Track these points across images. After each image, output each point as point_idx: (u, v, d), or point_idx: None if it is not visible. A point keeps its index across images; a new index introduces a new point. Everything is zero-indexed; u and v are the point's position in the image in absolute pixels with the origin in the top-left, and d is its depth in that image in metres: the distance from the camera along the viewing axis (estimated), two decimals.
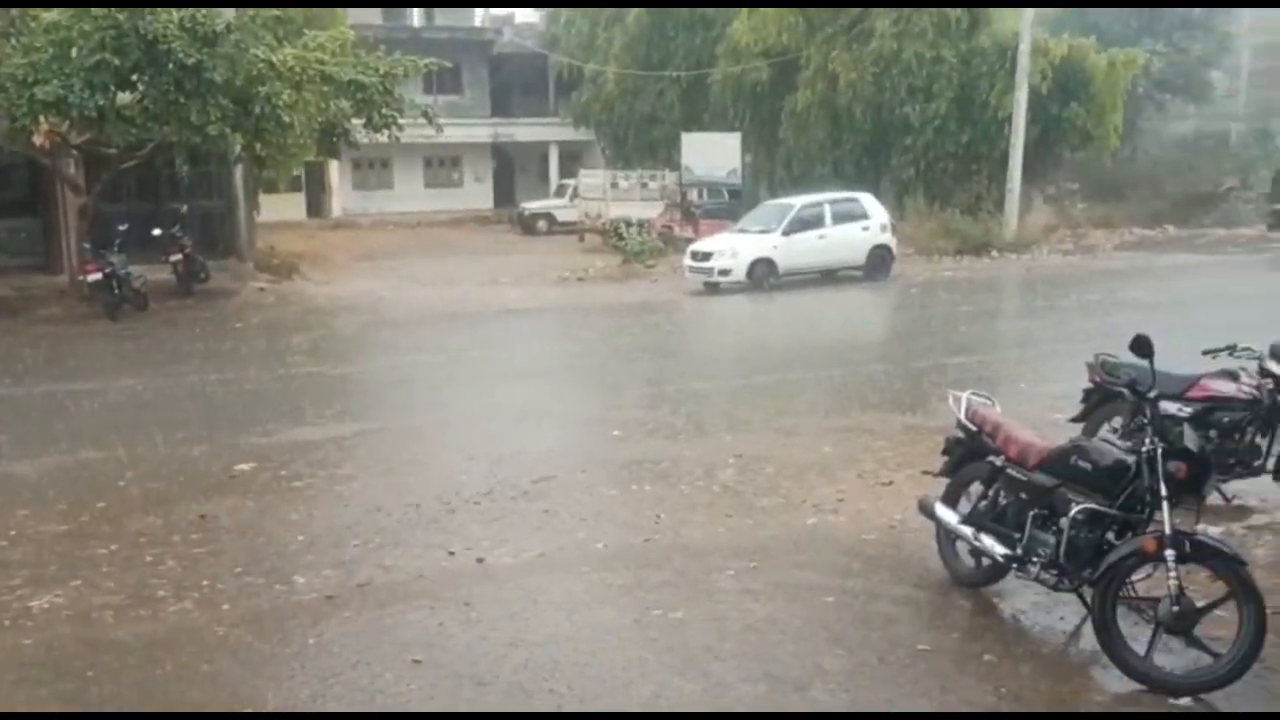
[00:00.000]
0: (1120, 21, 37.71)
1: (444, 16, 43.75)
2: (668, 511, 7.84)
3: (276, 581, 6.61)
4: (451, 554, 7.01)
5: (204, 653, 5.64)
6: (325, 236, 35.42)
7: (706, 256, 22.35)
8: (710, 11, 33.63)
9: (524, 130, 43.68)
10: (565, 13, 39.38)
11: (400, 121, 20.46)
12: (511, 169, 45.91)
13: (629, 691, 5.10)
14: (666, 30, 34.91)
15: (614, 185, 31.94)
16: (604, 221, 30.25)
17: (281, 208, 35.59)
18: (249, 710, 5.07)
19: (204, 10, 16.93)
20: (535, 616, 5.98)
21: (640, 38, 35.27)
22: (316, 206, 41.86)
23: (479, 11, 47.10)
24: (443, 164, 44.48)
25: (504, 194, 44.53)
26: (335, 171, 40.91)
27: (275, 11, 18.73)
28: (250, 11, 18.02)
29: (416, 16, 43.58)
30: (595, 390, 12.83)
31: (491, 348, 16.05)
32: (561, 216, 36.80)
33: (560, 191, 39.23)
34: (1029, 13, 27.73)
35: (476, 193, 44.80)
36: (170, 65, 16.72)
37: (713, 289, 21.98)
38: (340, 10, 24.64)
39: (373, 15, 36.37)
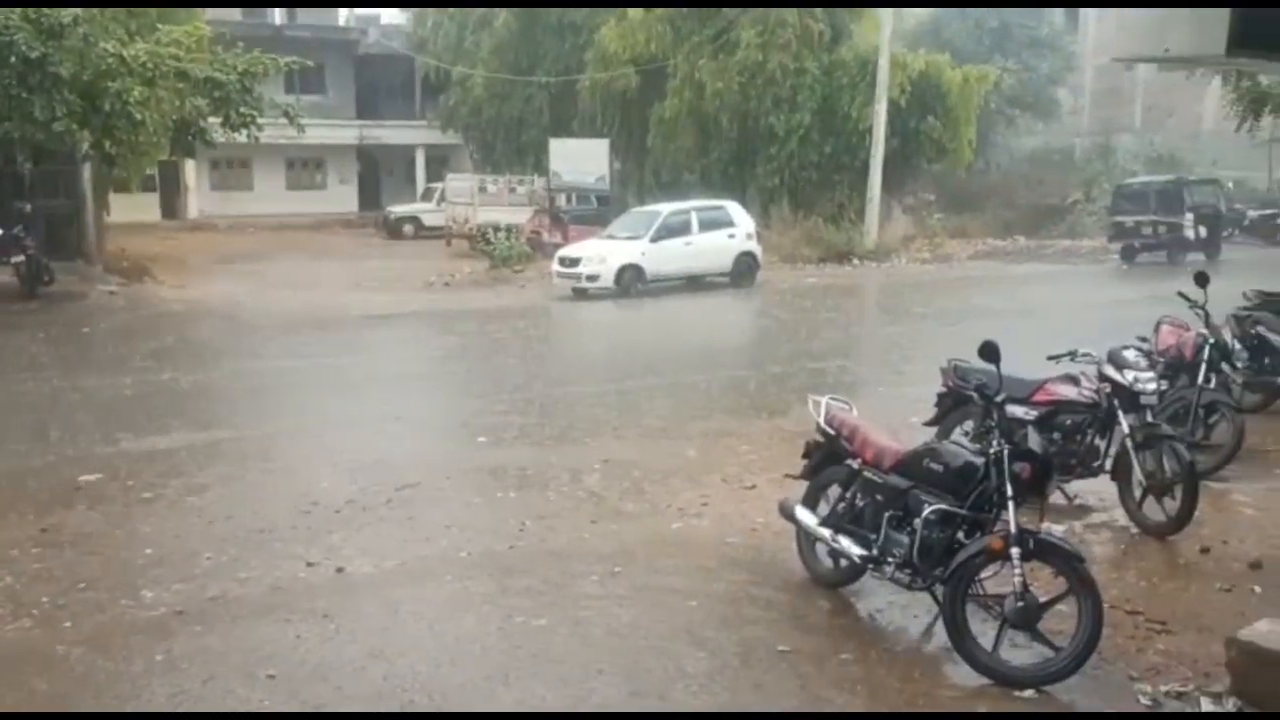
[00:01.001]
0: (974, 39, 39.11)
1: (307, 15, 42.71)
2: (533, 518, 7.80)
3: (123, 597, 6.34)
4: (310, 565, 6.83)
5: (44, 673, 5.37)
6: (181, 238, 34.23)
7: (575, 262, 22.36)
8: (579, 17, 33.65)
9: (390, 132, 42.96)
10: (432, 15, 38.84)
11: (260, 121, 19.94)
12: (377, 172, 45.11)
13: (491, 700, 5.06)
14: (535, 35, 34.80)
15: (482, 190, 31.67)
16: (471, 226, 29.96)
17: (134, 208, 34.20)
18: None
19: None
20: (396, 627, 5.87)
21: (509, 42, 35.07)
22: (172, 208, 40.38)
23: (343, 11, 46.20)
24: (306, 166, 43.45)
25: (369, 197, 43.70)
26: (192, 172, 39.53)
27: None
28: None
29: (278, 14, 42.46)
30: (460, 396, 12.70)
31: (354, 353, 15.73)
32: (428, 221, 36.33)
33: (427, 195, 38.73)
34: (888, 27, 28.56)
35: (341, 195, 43.88)
36: (12, 58, 15.95)
37: (581, 295, 21.99)
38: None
39: (232, 11, 35.27)
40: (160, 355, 15.31)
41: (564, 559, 6.94)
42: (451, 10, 37.84)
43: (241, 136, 19.95)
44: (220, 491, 8.52)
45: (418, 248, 33.18)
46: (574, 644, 5.63)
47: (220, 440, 10.25)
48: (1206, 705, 4.87)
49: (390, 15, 45.61)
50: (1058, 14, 41.26)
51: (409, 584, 6.53)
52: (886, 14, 28.80)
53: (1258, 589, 6.37)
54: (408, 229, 37.18)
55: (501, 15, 34.94)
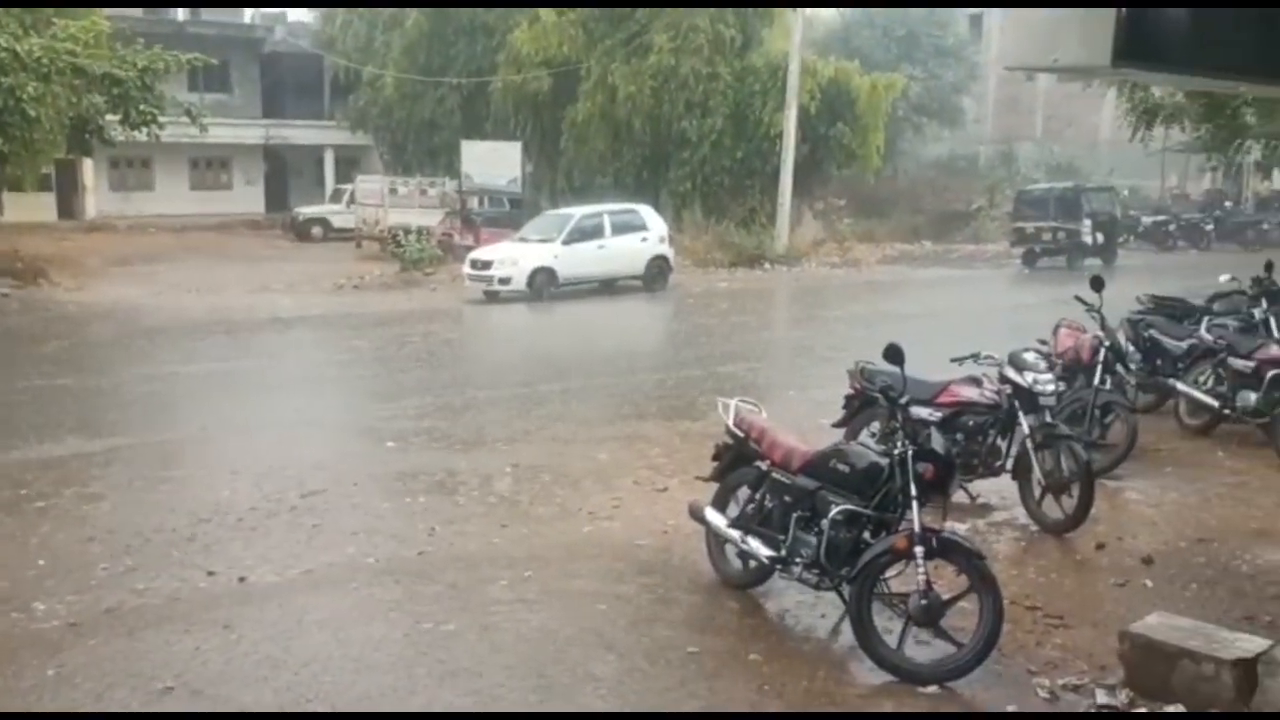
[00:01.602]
0: (882, 48, 39.77)
1: (211, 12, 41.76)
2: (442, 523, 7.72)
3: (13, 609, 6.12)
4: (211, 574, 6.67)
5: None
6: (78, 239, 33.12)
7: (487, 265, 22.20)
8: (492, 19, 33.44)
9: (298, 132, 42.18)
10: (341, 13, 38.22)
11: (161, 120, 19.44)
12: (285, 173, 44.26)
13: (396, 707, 4.98)
14: (447, 36, 34.47)
15: (393, 191, 31.25)
16: (382, 228, 29.55)
17: (29, 208, 33.11)
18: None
19: None
20: (300, 636, 5.76)
21: (420, 42, 34.68)
22: (69, 208, 39.12)
23: (249, 8, 45.27)
24: (210, 166, 42.42)
25: (277, 198, 42.85)
26: (90, 171, 38.34)
27: None
28: None
29: (181, 11, 41.43)
30: (369, 400, 12.50)
31: (259, 357, 15.42)
32: (338, 223, 35.73)
33: (336, 197, 38.08)
34: (798, 33, 28.91)
35: (247, 196, 42.93)
36: None
37: (493, 298, 21.84)
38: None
39: (132, 8, 34.32)
40: (56, 359, 14.84)
41: (473, 564, 6.88)
42: (361, 9, 37.30)
43: (142, 135, 19.44)
44: (117, 500, 8.28)
45: (327, 250, 32.63)
46: (482, 649, 5.58)
47: (118, 447, 9.95)
48: (1101, 697, 5.00)
49: (297, 13, 44.90)
50: (963, 24, 42.21)
51: (314, 592, 6.42)
52: (797, 21, 29.15)
53: (1149, 583, 6.58)
54: (316, 231, 36.54)
55: (412, 15, 34.54)
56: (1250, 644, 4.89)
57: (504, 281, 21.82)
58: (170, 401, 12.48)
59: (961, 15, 41.38)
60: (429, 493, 8.53)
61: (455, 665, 5.39)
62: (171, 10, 41.15)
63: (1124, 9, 2.57)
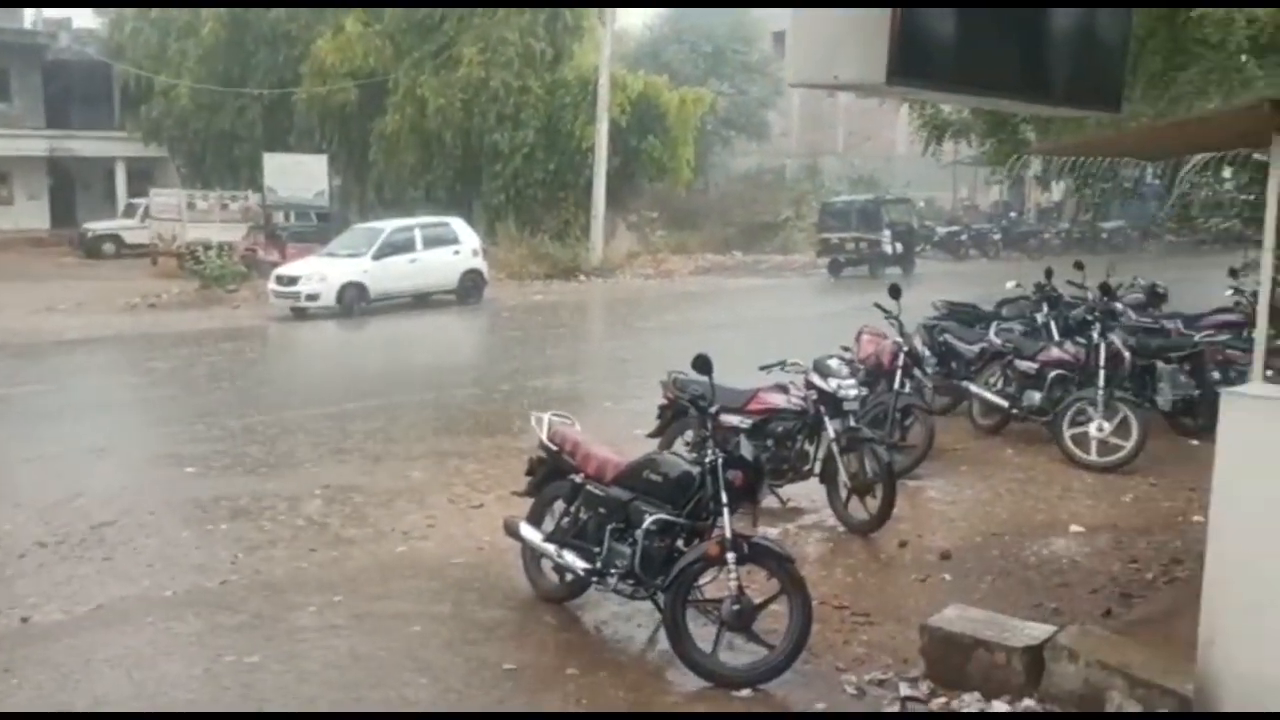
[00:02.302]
0: (690, 63, 40.59)
1: None
2: (246, 550, 7.42)
3: None
4: None
5: None
6: None
7: (293, 281, 21.54)
8: (294, 28, 32.51)
9: (86, 144, 39.86)
10: (131, 20, 36.34)
11: None
12: (72, 186, 41.75)
13: None
14: (246, 45, 33.31)
15: (191, 206, 29.97)
16: (180, 244, 28.27)
17: None
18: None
19: None
20: (89, 677, 5.41)
21: (217, 51, 33.37)
22: None
23: (29, 12, 42.54)
24: None
25: (64, 214, 40.34)
26: None
27: None
28: None
29: None
30: (167, 425, 11.89)
31: (43, 382, 14.44)
32: (131, 239, 34.03)
33: (130, 211, 36.24)
34: (608, 48, 29.21)
35: (30, 212, 40.29)
36: None
37: (301, 314, 21.20)
38: None
39: None
40: None
41: (280, 591, 6.63)
42: (153, 15, 35.59)
43: None
44: None
45: (120, 268, 30.98)
46: (287, 680, 5.37)
47: None
48: (904, 689, 5.19)
49: (83, 18, 42.41)
50: (767, 41, 43.43)
51: (105, 629, 6.05)
52: (606, 35, 29.48)
53: (948, 577, 6.88)
54: (108, 248, 34.71)
55: (209, 22, 33.20)
56: (1037, 631, 5.16)
57: (312, 298, 21.22)
58: None
59: (766, 32, 42.59)
60: (232, 519, 8.18)
61: (259, 698, 5.17)
62: None
63: (897, 29, 2.68)
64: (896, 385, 9.25)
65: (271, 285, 21.98)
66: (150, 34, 35.81)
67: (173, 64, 34.77)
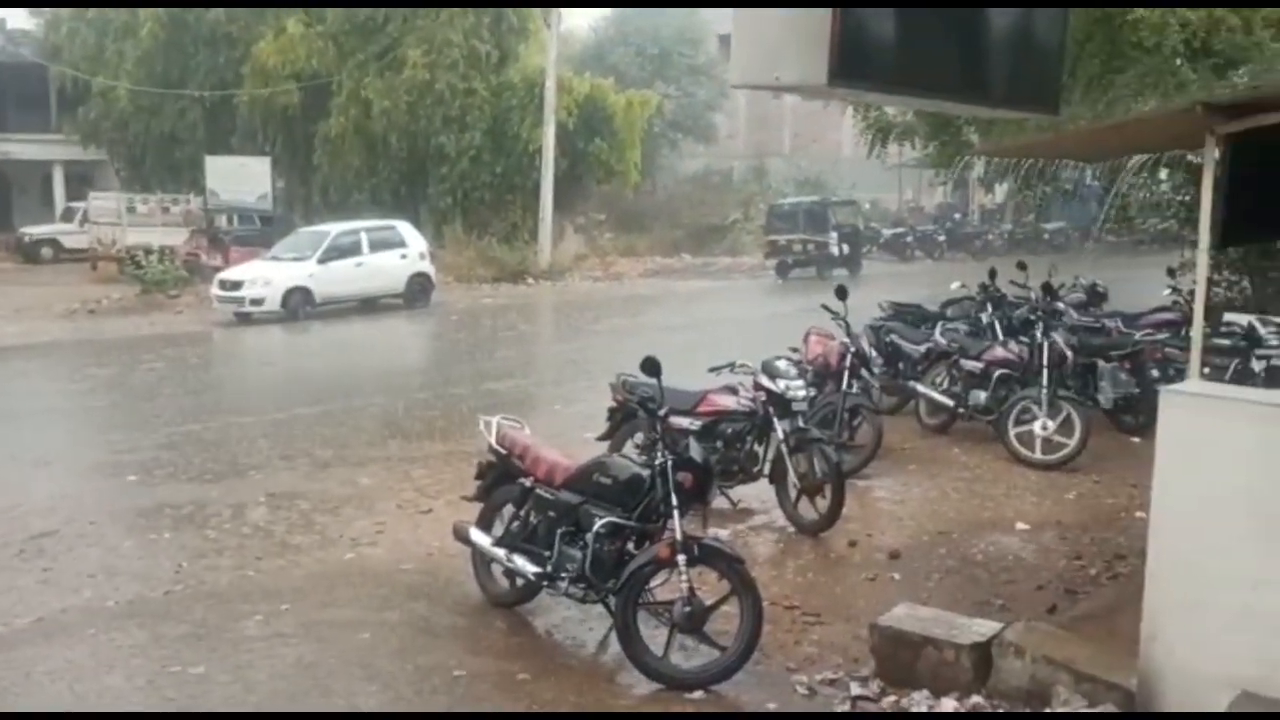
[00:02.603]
0: (637, 65, 40.64)
1: None
2: (190, 559, 7.31)
3: None
4: None
5: None
6: None
7: (237, 285, 21.27)
8: (235, 29, 32.07)
9: (21, 147, 39.00)
10: (67, 20, 35.64)
11: None
12: (8, 190, 40.86)
13: None
14: (186, 46, 32.78)
15: (131, 209, 29.45)
16: (120, 249, 27.81)
17: None
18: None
19: None
20: (29, 691, 5.30)
21: (156, 52, 32.79)
22: None
23: None
24: None
25: None
26: None
27: None
28: None
29: None
30: (109, 432, 11.67)
31: None
32: (70, 243, 33.39)
33: (68, 215, 35.57)
34: (554, 50, 29.16)
35: None
36: None
37: (244, 319, 20.93)
38: None
39: None
40: None
41: (225, 600, 6.53)
42: (90, 15, 34.93)
43: None
44: None
45: (58, 273, 30.37)
46: (234, 690, 5.29)
47: None
48: (855, 689, 5.22)
49: (17, 19, 41.53)
50: (713, 43, 43.59)
51: (45, 642, 5.93)
52: (552, 37, 29.42)
53: (897, 576, 6.94)
54: (46, 252, 34.06)
55: (147, 23, 32.64)
56: (985, 628, 5.22)
57: (256, 302, 20.96)
58: None
59: (711, 35, 42.73)
60: (176, 527, 8.05)
61: (205, 709, 5.09)
62: None
63: (838, 31, 2.70)
64: (844, 386, 9.31)
65: (215, 290, 21.69)
66: (87, 35, 35.13)
67: (111, 65, 34.15)
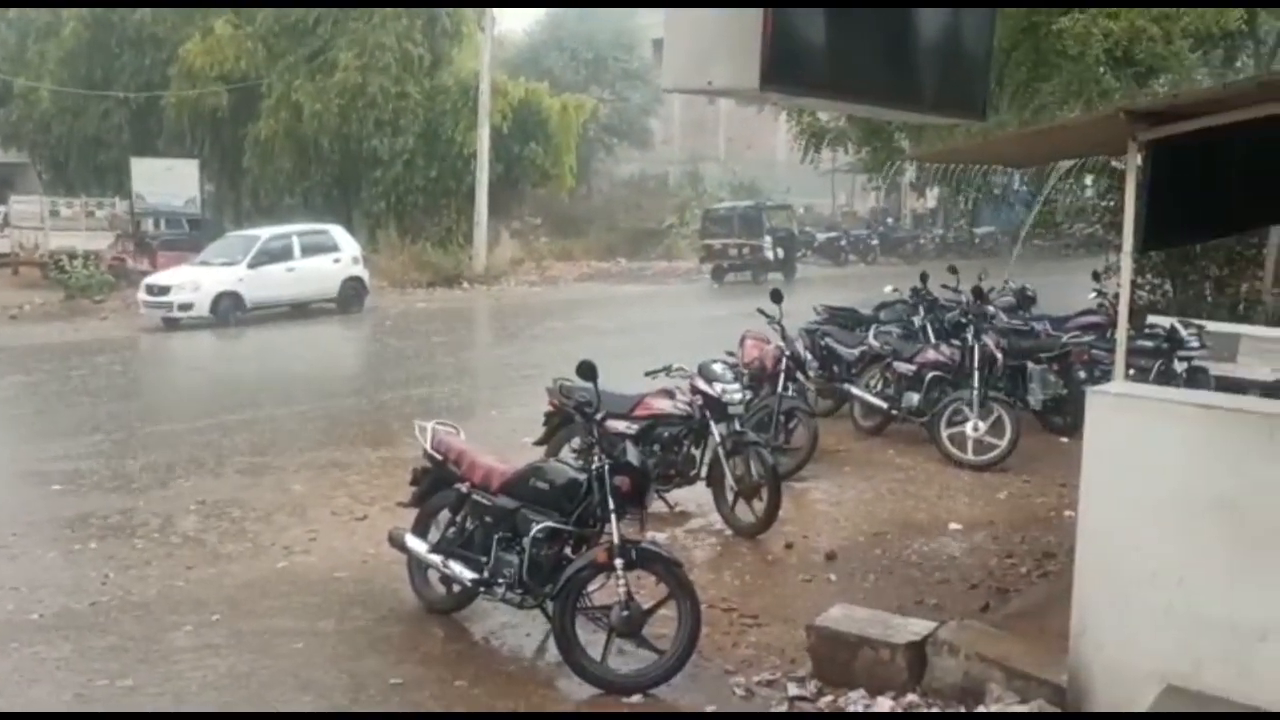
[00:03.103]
0: (571, 70, 40.66)
1: None
2: (118, 569, 7.15)
3: None
4: None
5: None
6: None
7: (165, 290, 20.86)
8: (161, 30, 31.48)
9: None
10: None
11: None
12: None
13: None
14: (110, 47, 32.10)
15: (54, 213, 28.70)
16: (42, 253, 27.13)
17: None
18: None
19: None
20: None
21: (80, 53, 32.08)
22: None
23: None
24: None
25: None
26: None
27: None
28: None
29: None
30: (31, 441, 11.36)
31: None
32: None
33: None
34: (487, 53, 29.05)
35: None
36: None
37: (173, 325, 20.53)
38: None
39: None
40: None
41: (154, 611, 6.40)
42: (10, 15, 34.08)
43: None
44: None
45: None
46: (164, 703, 5.19)
47: None
48: (792, 689, 5.25)
49: None
50: (647, 48, 43.75)
51: None
52: (486, 41, 29.32)
53: (833, 577, 7.00)
54: None
55: (70, 23, 31.93)
56: (919, 627, 5.28)
57: (184, 308, 20.59)
58: None
59: (646, 39, 42.88)
60: (102, 538, 7.87)
61: None
62: None
63: (769, 35, 2.72)
64: (780, 389, 9.39)
65: (142, 295, 21.25)
66: (7, 35, 34.34)
67: (32, 66, 33.35)
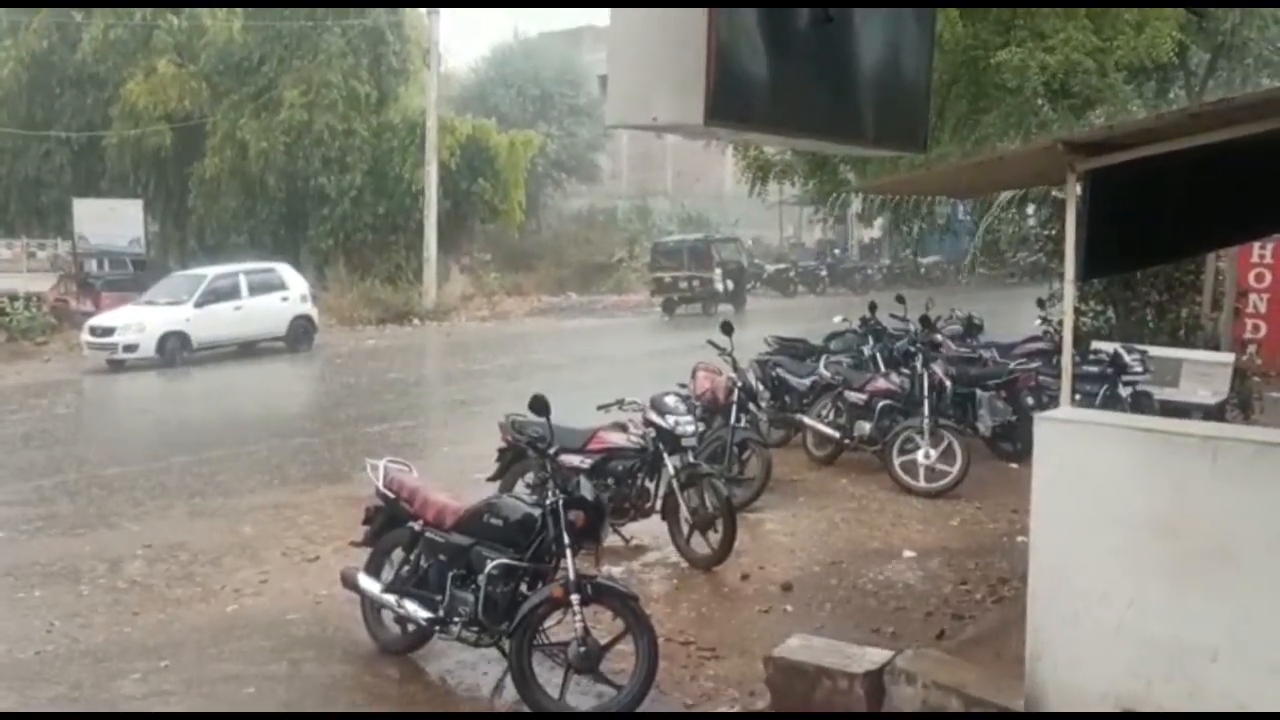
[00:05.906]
0: (518, 106, 40.72)
1: None
2: (63, 617, 7.00)
3: None
4: None
5: None
6: None
7: (109, 331, 20.55)
8: (102, 70, 31.13)
9: None
10: None
11: None
12: None
13: None
14: (51, 87, 31.71)
15: None
16: None
17: None
18: None
19: None
20: None
21: (19, 93, 31.60)
22: None
23: None
24: None
25: None
26: None
27: None
28: None
29: None
30: None
31: None
32: None
33: None
34: (434, 91, 29.10)
35: None
36: None
37: (118, 366, 20.22)
38: None
39: None
40: None
41: (101, 659, 6.27)
42: None
43: None
44: None
45: None
46: None
47: None
48: None
49: None
50: (594, 84, 43.98)
51: None
52: (432, 78, 29.38)
53: (789, 608, 7.01)
54: None
55: (8, 63, 31.48)
56: (877, 656, 5.30)
57: (130, 349, 20.29)
58: None
59: (592, 76, 43.10)
60: (46, 585, 7.71)
61: None
62: None
63: (713, 71, 2.76)
64: (733, 420, 9.43)
65: (85, 336, 20.93)
66: None
67: None
